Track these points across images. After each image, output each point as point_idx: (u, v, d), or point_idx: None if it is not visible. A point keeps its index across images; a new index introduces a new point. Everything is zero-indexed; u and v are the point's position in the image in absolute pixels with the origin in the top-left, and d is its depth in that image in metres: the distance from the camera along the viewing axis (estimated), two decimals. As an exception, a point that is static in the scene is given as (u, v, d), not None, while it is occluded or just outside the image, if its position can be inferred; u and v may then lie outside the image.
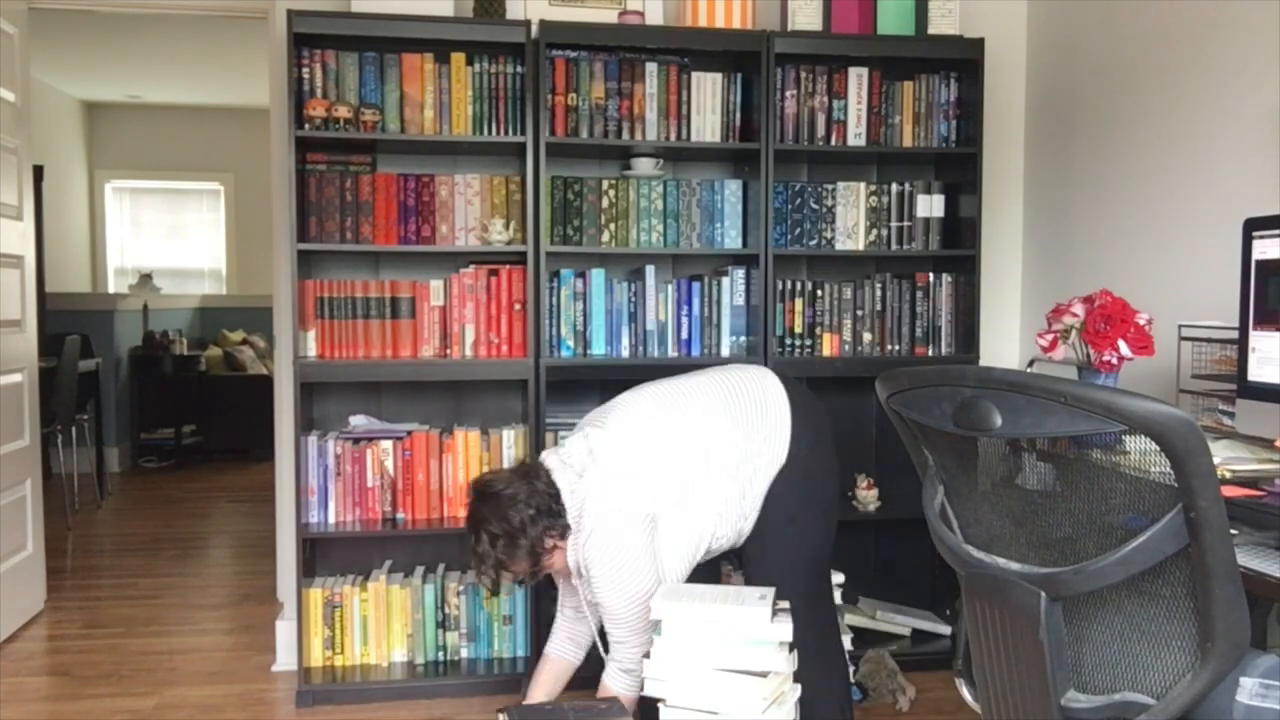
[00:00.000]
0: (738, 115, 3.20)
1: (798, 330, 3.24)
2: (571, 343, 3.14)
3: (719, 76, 3.18)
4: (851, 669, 2.65)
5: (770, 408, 2.27)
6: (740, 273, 3.20)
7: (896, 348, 3.30)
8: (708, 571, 3.21)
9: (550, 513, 2.14)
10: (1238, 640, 1.23)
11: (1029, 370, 1.74)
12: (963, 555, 1.49)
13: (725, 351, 3.20)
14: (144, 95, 8.11)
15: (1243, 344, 2.08)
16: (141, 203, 8.74)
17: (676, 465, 2.18)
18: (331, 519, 3.08)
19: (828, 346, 3.27)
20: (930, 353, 3.31)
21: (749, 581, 2.34)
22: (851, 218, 3.28)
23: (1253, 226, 2.06)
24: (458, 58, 3.07)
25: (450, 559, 3.30)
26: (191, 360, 7.37)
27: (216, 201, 8.80)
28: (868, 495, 3.27)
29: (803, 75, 3.20)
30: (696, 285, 3.20)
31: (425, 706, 2.99)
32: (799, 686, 2.20)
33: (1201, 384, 2.38)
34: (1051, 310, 2.29)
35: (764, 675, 2.20)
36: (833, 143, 3.23)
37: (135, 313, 7.35)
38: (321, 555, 3.26)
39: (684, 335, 3.20)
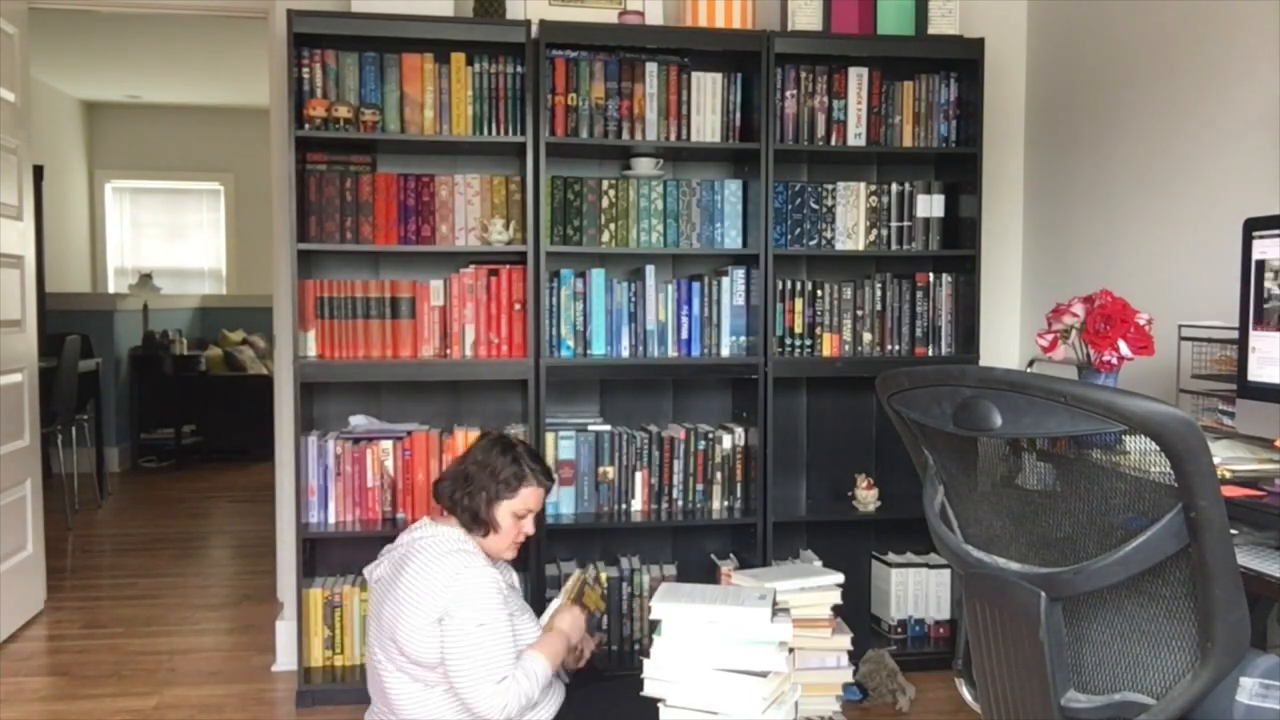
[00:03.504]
0: (738, 115, 3.20)
1: (798, 330, 3.24)
2: (571, 343, 3.14)
3: (719, 76, 3.18)
4: (851, 669, 2.65)
5: None
6: (740, 273, 3.20)
7: (896, 348, 3.30)
8: (707, 572, 3.22)
9: None
10: (1238, 640, 1.23)
11: (1029, 370, 1.75)
12: (963, 555, 1.49)
13: (725, 351, 3.20)
14: (144, 95, 8.11)
15: (1243, 344, 2.08)
16: (141, 203, 8.73)
17: None
18: (331, 519, 3.08)
19: (828, 346, 3.27)
20: (930, 353, 3.31)
21: None
22: (851, 218, 3.28)
23: (1253, 226, 2.06)
24: (458, 58, 3.07)
25: (450, 559, 3.30)
26: (191, 360, 7.37)
27: (216, 201, 8.80)
28: (868, 495, 3.27)
29: (803, 75, 3.20)
30: (696, 285, 3.20)
31: (425, 706, 2.99)
32: (799, 686, 2.20)
33: (1201, 384, 2.38)
34: (1051, 310, 2.29)
35: (764, 675, 2.20)
36: (833, 143, 3.23)
37: (135, 313, 7.35)
38: (321, 555, 3.26)
39: (684, 335, 3.20)
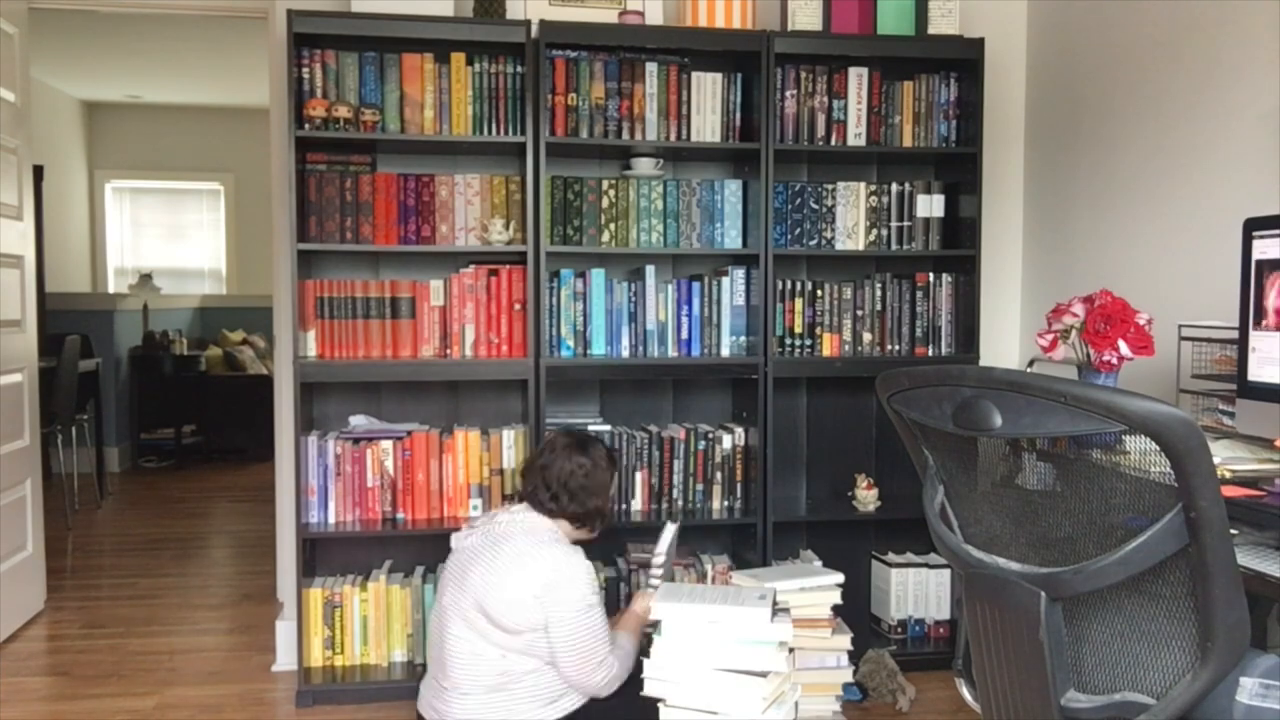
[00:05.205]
0: (738, 115, 3.20)
1: (798, 330, 3.24)
2: (571, 343, 3.14)
3: (719, 76, 3.18)
4: (851, 669, 2.65)
5: None
6: (740, 273, 3.20)
7: (896, 348, 3.30)
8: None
9: None
10: (1238, 640, 1.23)
11: (1029, 370, 1.74)
12: (963, 555, 1.49)
13: (725, 351, 3.20)
14: (144, 95, 8.11)
15: (1243, 344, 2.08)
16: (141, 203, 8.73)
17: None
18: (331, 519, 3.08)
19: (828, 346, 3.27)
20: (930, 353, 3.31)
21: None
22: (851, 218, 3.28)
23: (1253, 226, 2.06)
24: (458, 58, 3.07)
25: (450, 559, 3.30)
26: (191, 360, 7.37)
27: (216, 201, 8.80)
28: (868, 495, 3.27)
29: (803, 75, 3.20)
30: (696, 285, 3.20)
31: (425, 706, 2.99)
32: (799, 686, 2.20)
33: (1201, 384, 2.38)
34: (1051, 310, 2.29)
35: (764, 675, 2.20)
36: (833, 143, 3.23)
37: (135, 313, 7.34)
38: (321, 555, 3.26)
39: (684, 335, 3.20)
